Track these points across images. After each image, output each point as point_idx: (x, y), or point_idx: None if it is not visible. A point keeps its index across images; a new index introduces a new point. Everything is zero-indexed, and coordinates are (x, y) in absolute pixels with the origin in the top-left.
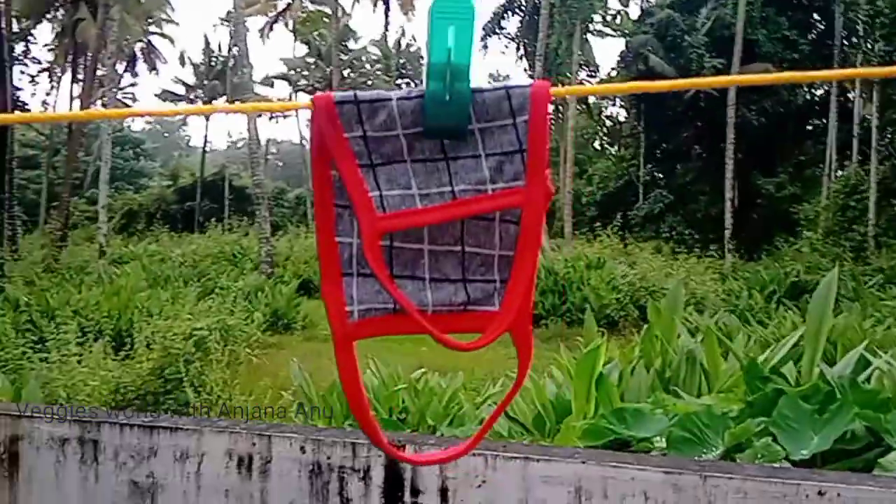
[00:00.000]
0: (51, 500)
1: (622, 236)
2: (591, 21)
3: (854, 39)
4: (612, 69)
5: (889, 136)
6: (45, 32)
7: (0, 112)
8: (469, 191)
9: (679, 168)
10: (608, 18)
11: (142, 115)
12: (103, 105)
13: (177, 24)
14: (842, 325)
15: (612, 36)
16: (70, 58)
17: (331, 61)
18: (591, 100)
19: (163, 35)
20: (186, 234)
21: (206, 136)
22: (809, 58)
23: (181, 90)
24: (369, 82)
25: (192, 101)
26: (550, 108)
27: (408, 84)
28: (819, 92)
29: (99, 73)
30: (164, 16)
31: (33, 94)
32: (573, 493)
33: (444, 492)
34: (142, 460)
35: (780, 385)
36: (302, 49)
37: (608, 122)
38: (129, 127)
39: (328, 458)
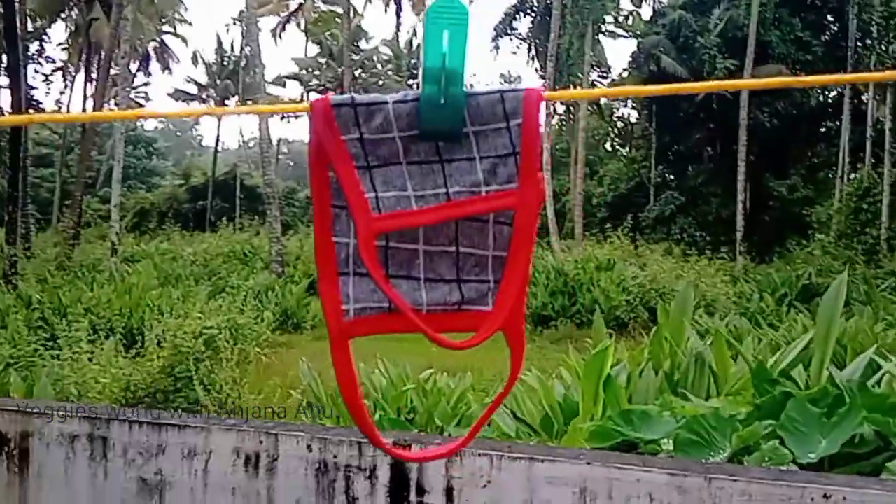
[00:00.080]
0: (60, 496)
1: (633, 238)
2: (603, 22)
3: (868, 41)
4: (624, 70)
5: None
6: (59, 32)
7: (15, 111)
8: (463, 192)
9: (691, 170)
10: (620, 19)
11: (146, 118)
12: (116, 104)
13: (190, 23)
14: (852, 328)
15: (623, 37)
16: (84, 57)
17: (342, 61)
18: (603, 101)
19: (176, 35)
20: (198, 233)
21: (218, 136)
22: (823, 59)
23: (194, 90)
24: (381, 82)
25: (204, 101)
26: (561, 108)
27: (419, 85)
28: (832, 94)
29: (112, 72)
30: (177, 15)
31: (47, 93)
32: (578, 493)
33: (449, 491)
34: (150, 457)
35: (788, 388)
36: (314, 49)
37: (619, 124)
38: (142, 126)
39: (335, 456)
